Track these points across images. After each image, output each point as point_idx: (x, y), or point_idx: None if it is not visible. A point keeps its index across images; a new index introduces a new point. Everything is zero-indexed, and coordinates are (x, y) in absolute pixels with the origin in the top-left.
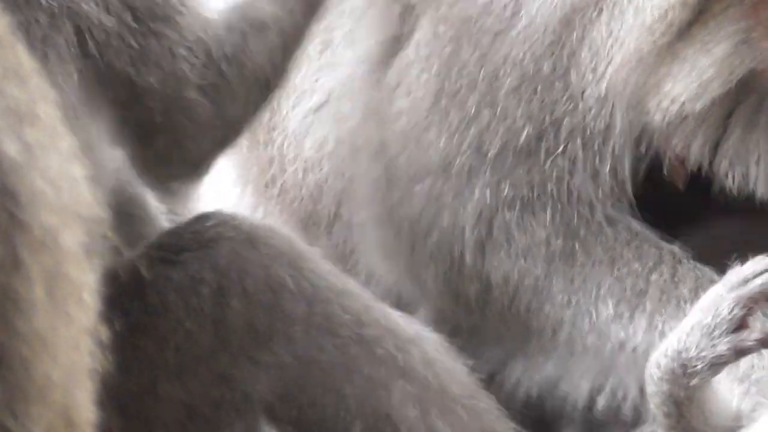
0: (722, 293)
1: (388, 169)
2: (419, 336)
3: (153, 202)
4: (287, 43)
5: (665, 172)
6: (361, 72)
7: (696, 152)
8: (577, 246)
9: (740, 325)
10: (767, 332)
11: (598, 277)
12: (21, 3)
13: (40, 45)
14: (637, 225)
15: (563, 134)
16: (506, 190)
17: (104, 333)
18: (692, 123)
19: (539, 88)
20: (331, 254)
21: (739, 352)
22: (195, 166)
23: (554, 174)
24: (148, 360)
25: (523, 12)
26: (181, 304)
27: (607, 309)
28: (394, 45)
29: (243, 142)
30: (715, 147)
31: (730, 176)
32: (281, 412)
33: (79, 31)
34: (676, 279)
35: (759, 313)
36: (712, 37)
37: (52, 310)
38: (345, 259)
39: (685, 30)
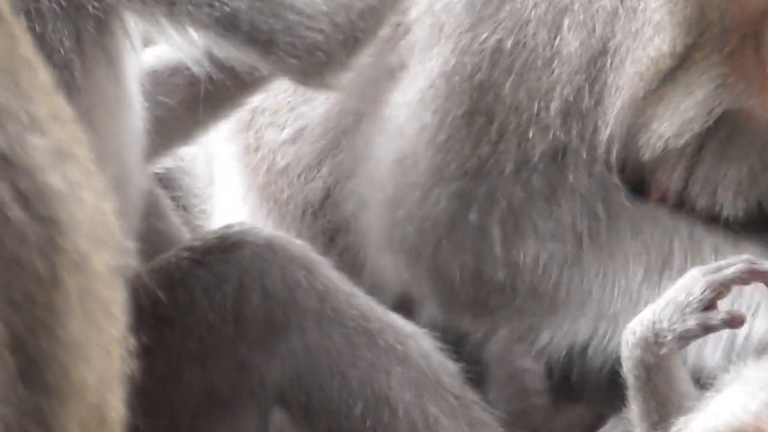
0: (697, 276)
1: (405, 176)
2: (416, 333)
3: (174, 217)
4: None
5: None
6: (374, 90)
7: (674, 180)
8: (601, 224)
9: (709, 305)
10: (732, 314)
11: (625, 247)
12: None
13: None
14: (654, 207)
15: (585, 149)
16: (533, 186)
17: (132, 342)
18: (674, 156)
19: (569, 116)
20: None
21: (706, 329)
22: (328, 52)
23: (573, 171)
24: (175, 348)
25: (559, 52)
26: (206, 300)
27: (638, 274)
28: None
29: (256, 165)
30: (689, 175)
31: (700, 200)
32: (291, 395)
33: None
34: (695, 243)
35: (727, 298)
36: (694, 81)
37: (86, 322)
38: (349, 270)
39: (671, 76)
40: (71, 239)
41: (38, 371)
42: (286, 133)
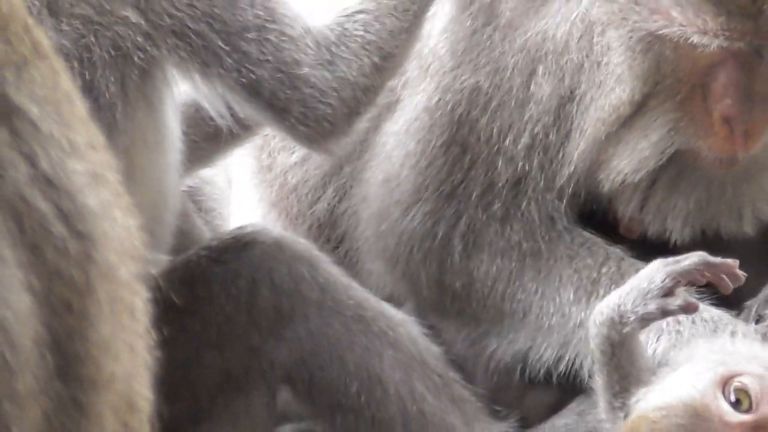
0: (659, 267)
1: (389, 195)
2: (405, 321)
3: (197, 220)
4: (384, 13)
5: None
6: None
7: (630, 210)
8: (543, 247)
9: (668, 293)
10: (688, 302)
11: (560, 270)
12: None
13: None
14: (587, 233)
15: (542, 179)
16: (493, 209)
17: (154, 337)
18: (630, 190)
19: (533, 151)
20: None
21: (664, 313)
22: (334, 123)
23: (527, 198)
24: (195, 336)
25: (532, 96)
26: (222, 292)
27: (569, 295)
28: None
29: (270, 182)
30: (643, 205)
31: (652, 227)
32: (296, 375)
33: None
34: (621, 271)
35: (683, 288)
36: (649, 125)
37: (114, 324)
38: (348, 268)
39: (629, 121)
40: (103, 253)
41: (74, 367)
42: (296, 157)
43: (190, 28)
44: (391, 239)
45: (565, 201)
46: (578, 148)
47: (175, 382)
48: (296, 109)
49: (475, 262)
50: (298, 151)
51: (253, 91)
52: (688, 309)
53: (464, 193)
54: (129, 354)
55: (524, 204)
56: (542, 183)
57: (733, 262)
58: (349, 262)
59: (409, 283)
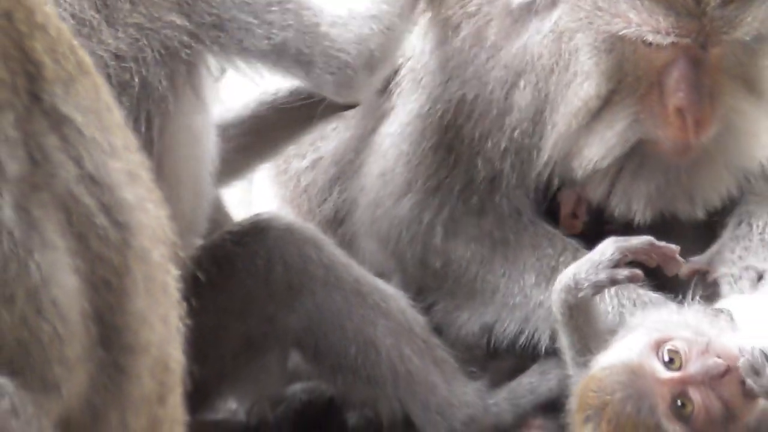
0: (611, 244)
1: (384, 187)
2: (395, 294)
3: (224, 208)
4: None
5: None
6: (361, 130)
7: (598, 194)
8: (511, 237)
9: (617, 264)
10: (633, 272)
11: (525, 258)
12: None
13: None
14: (549, 227)
15: (514, 177)
16: (471, 202)
17: (184, 309)
18: (600, 176)
19: (512, 152)
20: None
21: (613, 282)
22: (355, 69)
23: (500, 194)
24: (220, 307)
25: (514, 105)
26: (244, 270)
27: (531, 279)
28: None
29: (285, 183)
30: (610, 190)
31: (618, 210)
32: (305, 340)
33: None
34: (576, 260)
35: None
36: (614, 117)
37: (148, 299)
38: (348, 247)
39: (597, 114)
40: (138, 239)
41: (115, 336)
42: (307, 161)
43: (225, 18)
44: (384, 223)
45: (531, 197)
46: (552, 141)
47: (204, 346)
48: (320, 59)
49: (453, 246)
50: (309, 157)
51: (281, 51)
52: (633, 278)
53: (447, 188)
54: (162, 324)
55: (497, 198)
56: (514, 180)
57: (675, 248)
58: (348, 244)
59: (397, 260)
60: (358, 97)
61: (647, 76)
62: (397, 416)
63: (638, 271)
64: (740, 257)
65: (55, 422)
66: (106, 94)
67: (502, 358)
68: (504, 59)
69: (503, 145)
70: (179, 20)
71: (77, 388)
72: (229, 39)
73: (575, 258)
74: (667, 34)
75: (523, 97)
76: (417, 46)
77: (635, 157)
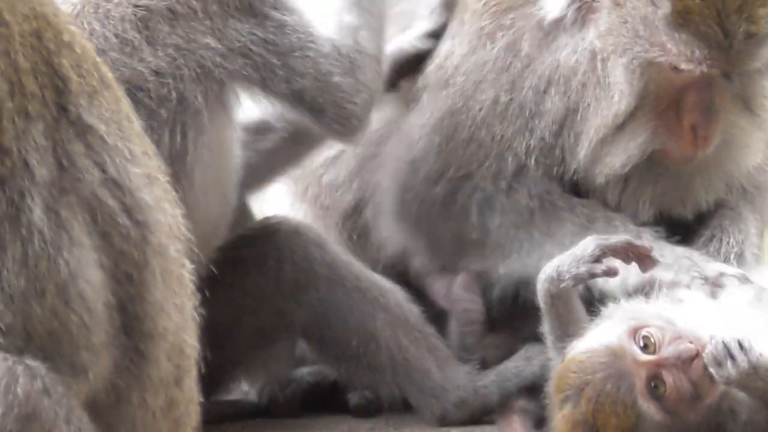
0: (591, 241)
1: (414, 173)
2: (393, 288)
3: (250, 211)
4: (375, 29)
5: None
6: (382, 124)
7: (612, 195)
8: (545, 203)
9: (596, 260)
10: (609, 267)
11: (561, 215)
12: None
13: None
14: (581, 200)
15: (540, 170)
16: (501, 186)
17: (198, 299)
18: (616, 179)
19: (539, 150)
20: (347, 239)
21: (591, 275)
22: (361, 119)
23: (528, 179)
24: (236, 301)
25: (544, 109)
26: (256, 269)
27: (568, 236)
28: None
29: (306, 179)
30: (622, 191)
31: (627, 209)
32: (310, 331)
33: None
34: (609, 223)
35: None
36: (637, 130)
37: (166, 290)
38: (364, 238)
39: (622, 126)
40: (156, 236)
41: (136, 323)
42: (329, 155)
43: (252, 50)
44: (414, 206)
45: (557, 183)
46: (580, 147)
47: (221, 336)
48: (331, 109)
49: (490, 219)
50: (330, 153)
51: (298, 98)
52: (609, 273)
53: (478, 175)
54: (178, 312)
55: (526, 182)
56: (540, 172)
57: (650, 247)
58: (365, 236)
59: (430, 237)
60: (358, 141)
61: (668, 95)
62: (396, 399)
63: (615, 267)
64: (714, 238)
65: (82, 403)
66: (126, 106)
67: (494, 338)
68: (537, 69)
69: (532, 144)
70: (213, 43)
71: (103, 372)
72: (254, 72)
73: (606, 224)
74: (699, 63)
75: (553, 104)
76: (445, 49)
77: (644, 163)
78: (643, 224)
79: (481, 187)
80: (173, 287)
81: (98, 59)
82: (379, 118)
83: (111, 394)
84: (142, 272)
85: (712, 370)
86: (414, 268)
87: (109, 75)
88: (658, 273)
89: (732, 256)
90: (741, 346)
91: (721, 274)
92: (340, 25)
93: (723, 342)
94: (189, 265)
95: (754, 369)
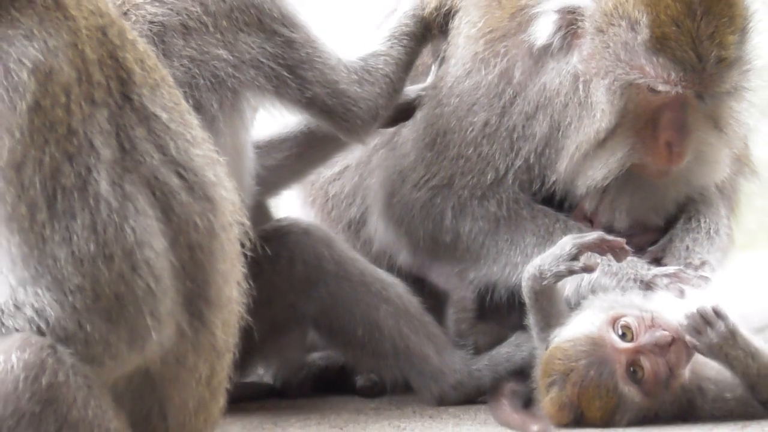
0: (569, 240)
1: (402, 180)
2: (394, 282)
3: (269, 211)
4: (397, 59)
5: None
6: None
7: (590, 205)
8: (512, 213)
9: (574, 258)
10: (587, 264)
11: (524, 226)
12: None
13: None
14: (545, 207)
15: (517, 185)
16: (477, 193)
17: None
18: (595, 191)
19: (520, 169)
20: (352, 236)
21: (571, 272)
22: (365, 121)
23: (502, 190)
24: (253, 297)
25: (529, 135)
26: (270, 266)
27: (531, 241)
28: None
29: (315, 192)
30: (599, 202)
31: (603, 218)
32: (320, 322)
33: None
34: (568, 226)
35: (588, 254)
36: (616, 146)
37: (230, 262)
38: (369, 244)
39: (603, 143)
40: (222, 211)
41: (202, 291)
42: (335, 171)
43: (263, 62)
44: (399, 208)
45: (528, 194)
46: (563, 163)
47: (240, 328)
48: (339, 110)
49: (462, 224)
50: (337, 167)
51: (310, 103)
52: (587, 269)
53: (458, 184)
54: (236, 288)
55: (500, 190)
56: (516, 187)
57: (622, 240)
58: (370, 242)
59: (410, 237)
60: (364, 141)
61: (645, 114)
62: (398, 381)
63: (592, 264)
64: (687, 248)
65: (142, 363)
66: (185, 104)
67: (485, 326)
68: (527, 96)
69: (515, 165)
70: (225, 55)
71: (164, 340)
72: (266, 82)
73: (567, 226)
74: (675, 85)
75: (540, 127)
76: (440, 70)
77: (621, 176)
78: (609, 231)
79: (458, 194)
80: (234, 262)
81: (159, 63)
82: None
83: (171, 355)
84: (212, 241)
85: (693, 339)
86: (398, 264)
87: (170, 79)
88: (604, 279)
89: (711, 231)
90: (717, 312)
91: (655, 276)
92: (367, 49)
93: (699, 311)
94: (239, 244)
95: (732, 334)
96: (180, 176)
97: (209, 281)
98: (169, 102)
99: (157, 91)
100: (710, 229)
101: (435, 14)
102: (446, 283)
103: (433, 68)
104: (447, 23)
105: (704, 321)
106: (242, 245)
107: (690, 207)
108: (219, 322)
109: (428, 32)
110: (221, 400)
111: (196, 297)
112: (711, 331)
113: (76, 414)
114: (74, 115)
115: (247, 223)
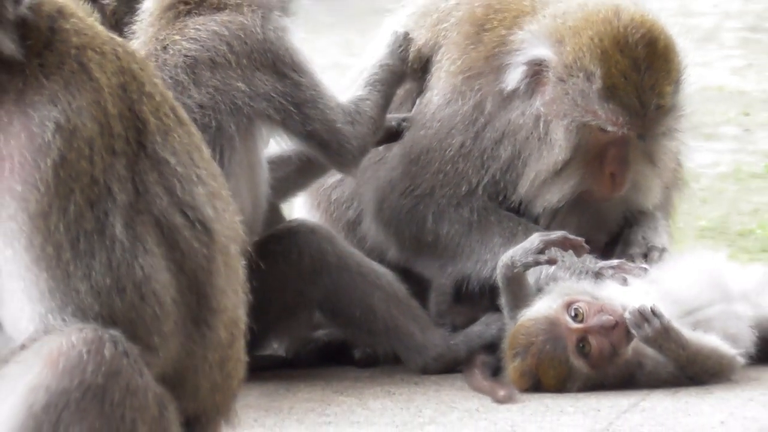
0: (536, 237)
1: (392, 190)
2: (385, 272)
3: (282, 213)
4: (377, 102)
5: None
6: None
7: (544, 224)
8: (482, 219)
9: (540, 252)
10: (551, 257)
11: (493, 229)
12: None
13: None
14: (510, 213)
15: (486, 195)
16: (453, 201)
17: (247, 285)
18: (549, 211)
19: (487, 184)
20: (350, 234)
21: (537, 263)
22: (355, 156)
23: (474, 199)
24: (268, 285)
25: (495, 157)
26: (282, 259)
27: (498, 242)
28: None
29: (320, 197)
30: (551, 221)
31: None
32: (324, 306)
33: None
34: (528, 230)
35: (553, 251)
36: (570, 175)
37: (227, 278)
38: (364, 241)
39: (559, 171)
40: (219, 238)
41: (205, 301)
42: (336, 179)
43: (273, 97)
44: (389, 212)
45: (496, 204)
46: (524, 187)
47: (257, 310)
48: (334, 146)
49: (441, 227)
50: (335, 178)
51: (310, 137)
52: (550, 262)
53: (438, 193)
54: (234, 294)
55: (472, 200)
56: (486, 197)
57: (581, 239)
58: (364, 240)
59: (397, 237)
60: (352, 173)
61: (594, 150)
62: (389, 354)
63: (555, 257)
64: (644, 238)
65: (156, 371)
66: (197, 138)
67: (461, 309)
68: (496, 125)
69: (484, 179)
70: (243, 87)
71: (171, 350)
72: (275, 114)
73: (527, 229)
74: (621, 126)
75: (505, 151)
76: (426, 97)
77: (572, 200)
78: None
79: (438, 202)
80: (232, 276)
81: (176, 104)
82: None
83: (182, 353)
84: (210, 264)
85: (633, 331)
86: (387, 258)
87: (185, 115)
88: (559, 272)
89: (658, 228)
90: (653, 311)
91: (601, 268)
92: (353, 95)
93: (639, 309)
94: (242, 261)
95: (666, 329)
96: (184, 214)
97: (210, 294)
98: (179, 144)
99: (168, 135)
100: (656, 227)
101: (417, 55)
102: (428, 273)
103: (417, 100)
104: (428, 61)
105: (643, 318)
106: (251, 243)
107: (633, 218)
108: (221, 324)
109: (399, 77)
110: (236, 380)
111: (200, 308)
112: (648, 326)
113: (135, 382)
114: (96, 165)
115: (247, 239)
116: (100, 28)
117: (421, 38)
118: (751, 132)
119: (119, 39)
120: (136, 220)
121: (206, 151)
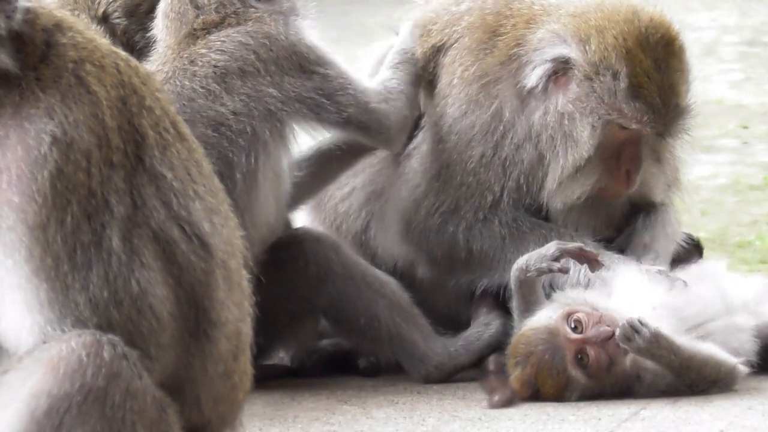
0: (553, 245)
1: (417, 209)
2: (390, 281)
3: (290, 222)
4: (403, 79)
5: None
6: (386, 164)
7: (562, 218)
8: (514, 231)
9: (555, 259)
10: (564, 266)
11: (526, 239)
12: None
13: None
14: (540, 221)
15: (511, 202)
16: (479, 215)
17: (252, 299)
18: (567, 208)
19: (512, 190)
20: (357, 244)
21: (550, 270)
22: (397, 131)
23: (501, 210)
24: (274, 292)
25: (517, 163)
26: (289, 267)
27: (533, 249)
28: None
29: (327, 209)
30: (568, 216)
31: (572, 228)
32: (329, 313)
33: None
34: (560, 237)
35: (569, 260)
36: (588, 173)
37: (227, 291)
38: (368, 247)
39: (579, 170)
40: (217, 253)
41: (204, 314)
42: (344, 192)
43: (305, 96)
44: (417, 234)
45: (524, 210)
46: (548, 185)
47: (264, 318)
48: (373, 125)
49: (473, 244)
50: (346, 188)
51: (348, 122)
52: (563, 270)
53: (464, 208)
54: (237, 307)
55: (499, 213)
56: (511, 204)
57: (596, 253)
58: (368, 246)
59: (428, 256)
60: (398, 148)
61: (612, 147)
62: (392, 362)
63: (567, 266)
64: (645, 245)
65: (155, 378)
66: (199, 154)
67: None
68: (515, 130)
69: (509, 185)
70: (274, 92)
71: (168, 361)
72: (309, 111)
73: (560, 233)
74: (645, 125)
75: (528, 154)
76: (439, 107)
77: (589, 197)
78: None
79: (465, 218)
80: (233, 289)
81: (179, 118)
82: (381, 161)
83: (179, 364)
84: (209, 278)
85: (624, 345)
86: (419, 275)
87: (186, 131)
88: (560, 280)
89: (665, 225)
90: (641, 322)
91: (607, 261)
92: (378, 78)
93: (627, 322)
94: (246, 274)
95: (656, 338)
96: (181, 228)
97: (209, 308)
98: (177, 160)
99: (167, 150)
100: (665, 225)
101: (428, 51)
102: (463, 286)
103: (427, 101)
104: (437, 59)
105: (633, 329)
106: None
107: (645, 209)
108: (223, 336)
109: (417, 64)
110: (242, 391)
111: (199, 321)
112: (638, 337)
113: (135, 384)
114: (94, 177)
115: (251, 247)
116: (102, 42)
117: (431, 38)
118: (749, 144)
119: (122, 53)
120: (134, 233)
121: (207, 167)
